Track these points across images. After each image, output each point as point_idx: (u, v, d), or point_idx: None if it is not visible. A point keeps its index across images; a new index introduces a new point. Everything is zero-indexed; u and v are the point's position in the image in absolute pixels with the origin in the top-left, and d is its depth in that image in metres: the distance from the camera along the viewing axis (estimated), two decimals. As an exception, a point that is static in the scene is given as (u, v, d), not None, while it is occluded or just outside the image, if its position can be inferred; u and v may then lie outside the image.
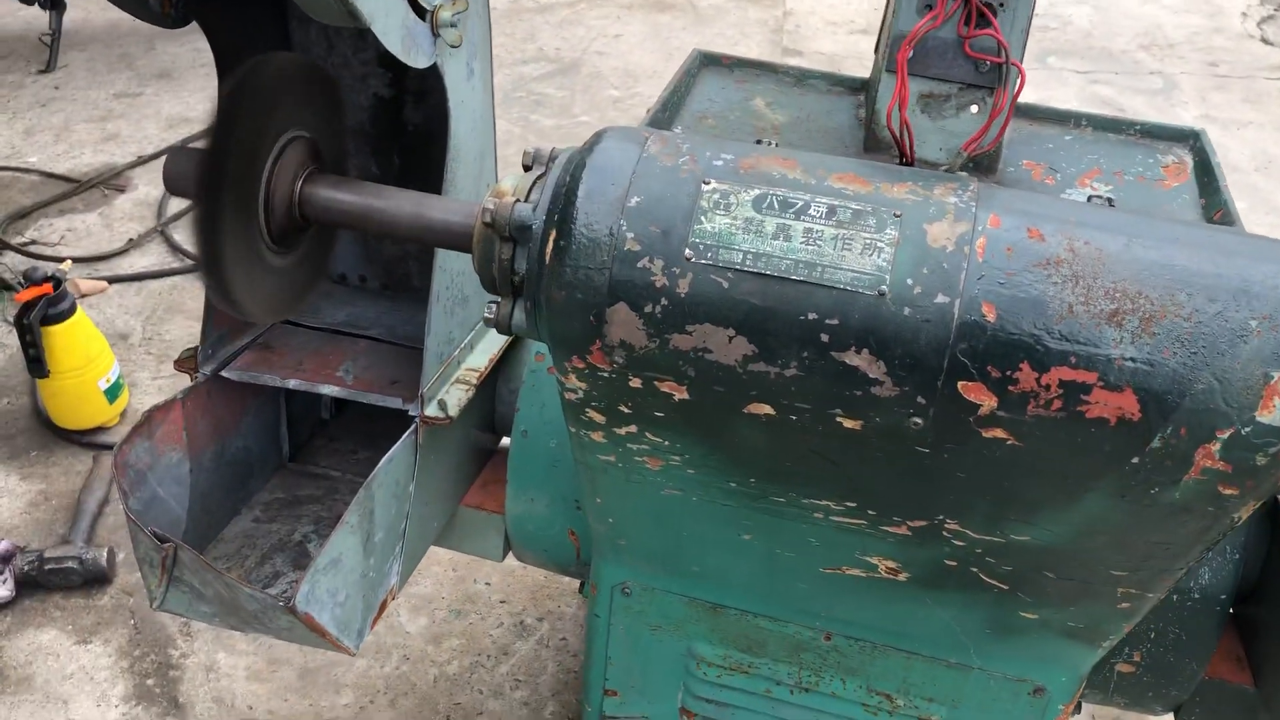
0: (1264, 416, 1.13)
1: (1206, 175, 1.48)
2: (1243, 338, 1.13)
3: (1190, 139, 1.56)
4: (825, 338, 1.20)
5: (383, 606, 1.69)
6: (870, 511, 1.43)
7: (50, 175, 4.39)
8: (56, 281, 2.91)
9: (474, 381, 1.77)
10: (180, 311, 3.64)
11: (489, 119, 1.74)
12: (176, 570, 1.55)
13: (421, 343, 1.88)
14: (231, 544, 1.82)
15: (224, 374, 1.74)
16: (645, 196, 1.23)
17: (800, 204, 1.21)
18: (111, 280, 3.71)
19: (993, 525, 1.38)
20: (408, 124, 1.88)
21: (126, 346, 3.46)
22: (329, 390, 1.73)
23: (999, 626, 1.64)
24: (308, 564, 1.80)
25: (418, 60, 1.49)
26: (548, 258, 1.26)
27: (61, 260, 3.70)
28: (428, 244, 1.48)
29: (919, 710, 1.83)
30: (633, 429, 1.42)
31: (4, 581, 2.60)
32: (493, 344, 1.89)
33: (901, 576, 1.58)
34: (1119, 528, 1.30)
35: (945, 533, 1.43)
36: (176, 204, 4.19)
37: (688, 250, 1.21)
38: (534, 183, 1.34)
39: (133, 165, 4.45)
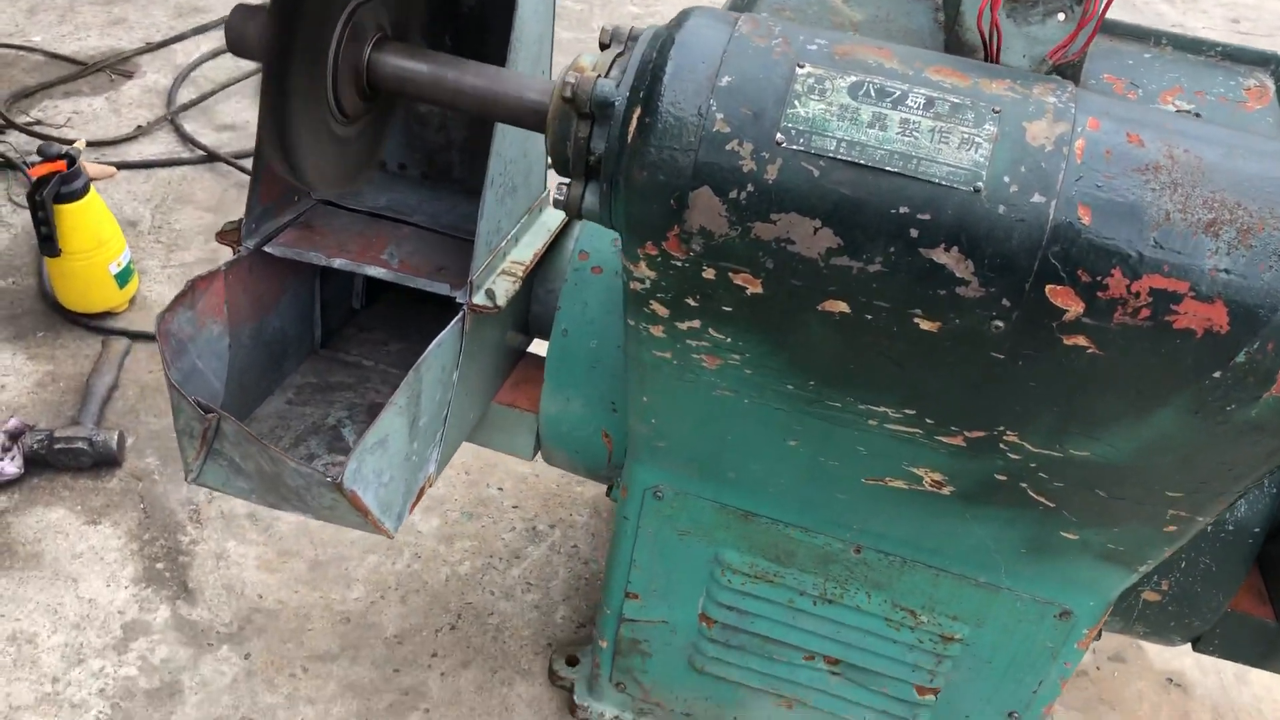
0: (1355, 335, 1.12)
1: (1292, 99, 1.46)
2: (1341, 254, 1.11)
3: (1272, 63, 1.53)
4: (915, 233, 1.17)
5: (421, 492, 1.68)
6: (928, 420, 1.42)
7: (55, 56, 4.28)
8: (70, 159, 2.84)
9: (520, 274, 1.74)
10: (190, 202, 3.57)
11: (550, 2, 1.69)
12: (217, 442, 1.53)
13: (464, 233, 1.86)
14: (265, 424, 1.80)
15: (267, 249, 1.71)
16: (737, 77, 1.20)
17: (898, 93, 1.18)
18: (120, 166, 3.64)
19: (1054, 439, 1.37)
20: (462, 6, 1.83)
21: (135, 234, 3.40)
22: (375, 272, 1.70)
23: (1036, 546, 1.64)
24: (342, 448, 1.79)
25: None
26: (630, 136, 1.23)
27: (71, 141, 3.62)
28: (496, 119, 1.44)
29: (942, 628, 1.84)
30: (695, 324, 1.40)
31: (13, 458, 2.57)
32: (536, 239, 1.86)
33: (946, 490, 1.57)
34: (1186, 445, 1.29)
35: (1002, 445, 1.42)
36: (186, 93, 4.10)
37: (779, 135, 1.18)
38: (614, 60, 1.30)
39: (141, 51, 4.34)
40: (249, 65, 4.27)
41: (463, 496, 2.71)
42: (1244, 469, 1.31)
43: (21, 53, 4.28)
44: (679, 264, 1.29)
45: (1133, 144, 1.15)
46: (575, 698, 2.27)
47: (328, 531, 2.58)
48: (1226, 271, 1.13)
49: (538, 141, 1.82)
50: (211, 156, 3.71)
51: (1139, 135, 1.16)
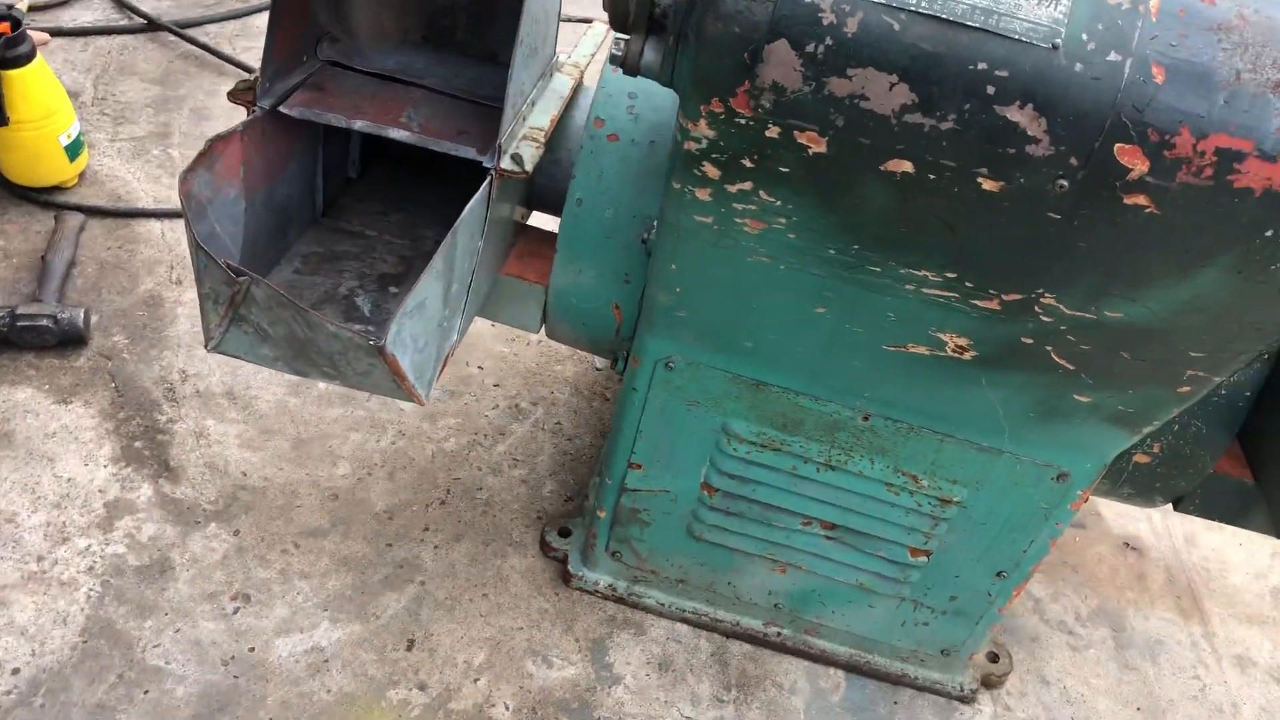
0: None
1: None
2: (1400, 116, 1.15)
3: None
4: (991, 90, 1.18)
5: (446, 360, 1.66)
6: (968, 283, 1.45)
7: (-33, -85, 3.99)
8: (15, 21, 2.68)
9: (541, 139, 1.70)
10: (133, 73, 3.40)
11: None
12: (244, 308, 1.49)
13: (478, 98, 1.81)
14: (279, 292, 1.75)
15: (284, 109, 1.64)
16: (818, -73, 1.18)
17: (978, -52, 1.18)
18: (54, 33, 3.44)
19: (1091, 301, 1.41)
20: None
21: (78, 105, 3.23)
22: (399, 135, 1.65)
23: (1046, 410, 1.70)
24: (359, 316, 1.76)
25: None
26: (704, -13, 1.21)
27: (11, 4, 3.39)
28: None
29: (941, 491, 1.91)
30: (746, 186, 1.40)
31: (-28, 337, 2.48)
32: (550, 105, 1.82)
33: (967, 355, 1.61)
34: (1220, 305, 1.35)
35: (1037, 308, 1.46)
36: (117, -43, 3.87)
37: (860, -13, 1.17)
38: (680, -90, 1.27)
39: (61, -89, 4.07)
40: (181, -71, 4.05)
41: (444, 375, 2.69)
42: (1272, 328, 1.37)
43: (-71, -91, 3.98)
44: (743, 122, 1.28)
45: (1206, 4, 1.17)
46: (569, 567, 2.30)
47: (309, 409, 2.55)
48: (1291, 131, 1.16)
49: (555, 1, 1.77)
50: (154, 25, 3.53)
51: (1210, -5, 1.18)
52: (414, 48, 1.93)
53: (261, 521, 2.32)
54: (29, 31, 3.03)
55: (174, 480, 2.37)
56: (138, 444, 2.42)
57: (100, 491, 2.32)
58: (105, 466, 2.36)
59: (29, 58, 2.70)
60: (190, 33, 3.51)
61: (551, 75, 1.89)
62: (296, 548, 2.29)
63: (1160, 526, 2.73)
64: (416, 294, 1.45)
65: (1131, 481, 1.98)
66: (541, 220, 2.11)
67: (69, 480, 2.32)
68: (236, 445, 2.46)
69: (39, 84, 2.75)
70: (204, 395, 2.54)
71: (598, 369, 2.80)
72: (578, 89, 1.95)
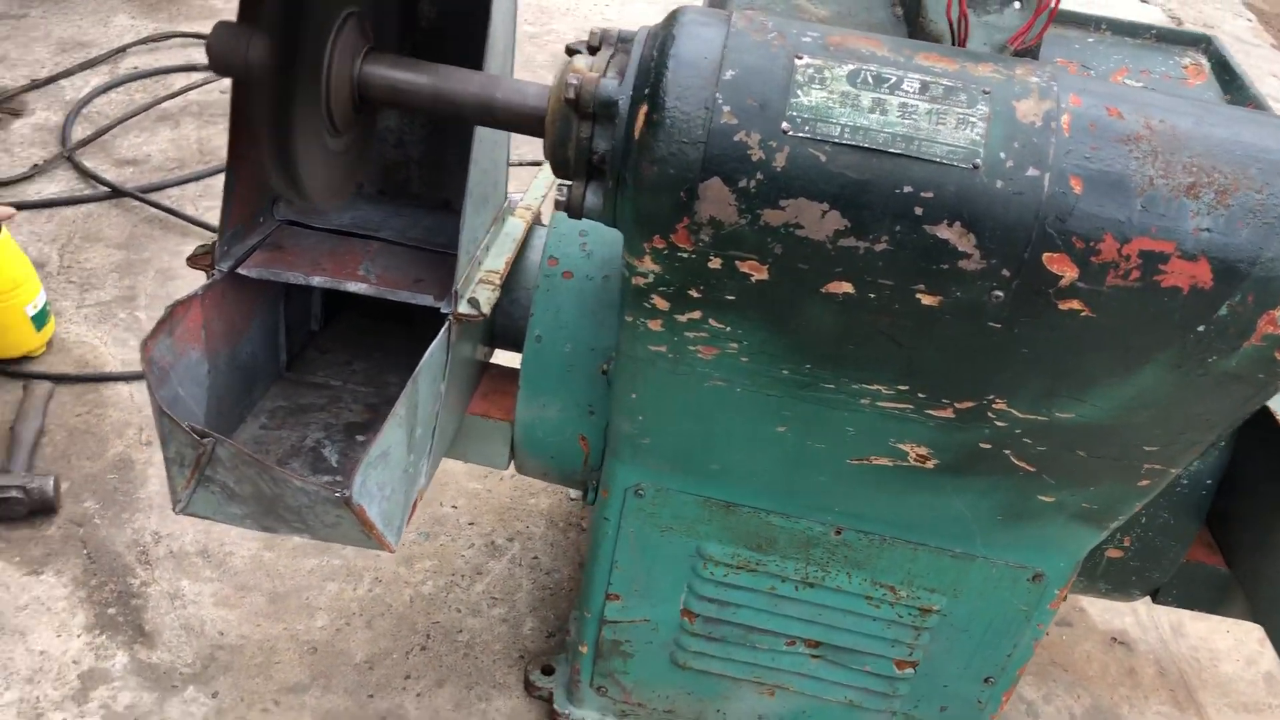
0: (1325, 282, 1.21)
1: (1227, 74, 1.57)
2: (1308, 208, 1.20)
3: (1203, 43, 1.65)
4: (919, 211, 1.23)
5: (414, 505, 1.67)
6: (921, 394, 1.48)
7: (-66, 97, 4.10)
8: (-20, 200, 2.74)
9: (497, 282, 1.75)
10: (99, 240, 3.46)
11: (514, 14, 1.71)
12: (210, 469, 1.50)
13: (433, 246, 1.86)
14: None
15: (242, 271, 1.68)
16: (740, 70, 1.24)
17: (894, 79, 1.24)
18: (18, 207, 3.50)
19: (1040, 404, 1.44)
20: (421, 18, 1.83)
21: (44, 275, 3.27)
22: (356, 288, 1.69)
23: (1012, 512, 1.71)
24: (325, 468, 1.77)
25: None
26: (637, 133, 1.26)
27: (-30, 182, 3.47)
28: (491, 125, 1.46)
29: (920, 600, 1.91)
30: (696, 315, 1.43)
31: (-59, 513, 2.46)
32: (504, 248, 1.87)
33: (930, 464, 1.63)
34: (1166, 400, 1.38)
35: (990, 413, 1.49)
36: (81, 129, 3.97)
37: (785, 123, 1.23)
38: (609, 62, 1.33)
39: (26, 89, 4.18)
40: (143, 99, 4.17)
41: (418, 517, 2.68)
42: (1218, 419, 1.40)
43: (-104, 95, 4.09)
44: (685, 255, 1.32)
45: (1113, 117, 1.23)
46: (555, 706, 2.27)
47: (284, 562, 2.53)
48: (1208, 230, 1.21)
49: (503, 151, 1.83)
50: (117, 192, 3.60)
51: (1118, 108, 1.24)
52: (370, 201, 1.99)
53: (240, 681, 2.28)
54: (-6, 207, 3.10)
55: (149, 645, 2.33)
56: (111, 610, 2.39)
57: (74, 662, 2.28)
58: (79, 636, 2.33)
59: (-7, 232, 2.75)
60: (153, 197, 3.58)
61: (504, 219, 1.94)
62: (277, 705, 2.25)
63: (1146, 618, 2.72)
64: (380, 442, 1.47)
65: (1107, 577, 1.98)
66: (506, 358, 2.13)
67: (42, 653, 2.29)
68: (212, 604, 2.43)
69: (3, 258, 2.79)
70: (178, 555, 2.52)
71: (572, 500, 2.80)
72: (531, 230, 2.00)
